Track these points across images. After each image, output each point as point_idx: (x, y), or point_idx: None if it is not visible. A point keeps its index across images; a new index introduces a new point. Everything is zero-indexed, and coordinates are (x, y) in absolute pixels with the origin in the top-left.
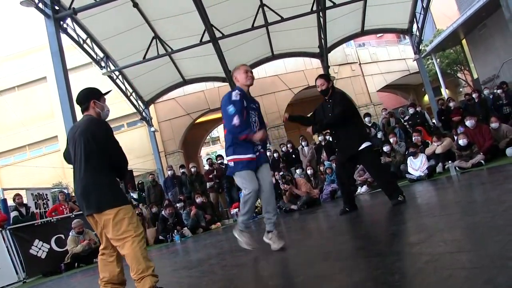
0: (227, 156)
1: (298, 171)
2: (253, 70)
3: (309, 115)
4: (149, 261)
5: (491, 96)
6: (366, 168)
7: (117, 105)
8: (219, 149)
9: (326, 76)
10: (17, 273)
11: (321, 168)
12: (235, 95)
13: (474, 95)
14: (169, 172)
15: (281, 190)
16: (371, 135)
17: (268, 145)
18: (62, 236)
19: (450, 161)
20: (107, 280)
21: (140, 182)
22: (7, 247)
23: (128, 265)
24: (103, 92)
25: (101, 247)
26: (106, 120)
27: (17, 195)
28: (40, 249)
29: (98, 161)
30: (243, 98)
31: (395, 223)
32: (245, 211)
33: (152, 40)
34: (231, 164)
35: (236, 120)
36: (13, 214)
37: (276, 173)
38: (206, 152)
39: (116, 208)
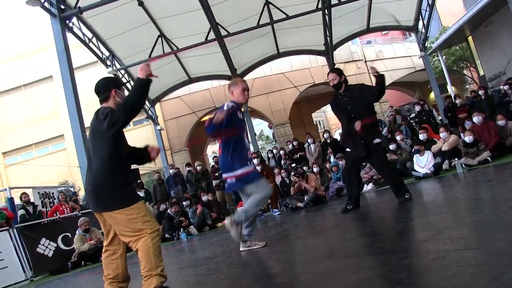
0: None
1: (304, 168)
2: (259, 68)
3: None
4: (160, 260)
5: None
6: (374, 164)
7: None
8: None
9: (338, 70)
10: (24, 271)
11: (327, 165)
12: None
13: (480, 92)
14: (171, 171)
15: (287, 188)
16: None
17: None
18: (69, 234)
19: (456, 159)
20: (112, 277)
21: (139, 181)
22: (14, 245)
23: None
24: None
25: (105, 243)
26: None
27: (24, 193)
28: (47, 247)
29: (108, 157)
30: (237, 111)
31: (402, 221)
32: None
33: (157, 38)
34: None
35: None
36: (20, 212)
37: (282, 170)
38: (212, 150)
39: (126, 207)
